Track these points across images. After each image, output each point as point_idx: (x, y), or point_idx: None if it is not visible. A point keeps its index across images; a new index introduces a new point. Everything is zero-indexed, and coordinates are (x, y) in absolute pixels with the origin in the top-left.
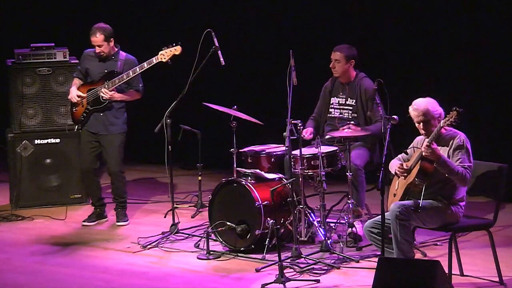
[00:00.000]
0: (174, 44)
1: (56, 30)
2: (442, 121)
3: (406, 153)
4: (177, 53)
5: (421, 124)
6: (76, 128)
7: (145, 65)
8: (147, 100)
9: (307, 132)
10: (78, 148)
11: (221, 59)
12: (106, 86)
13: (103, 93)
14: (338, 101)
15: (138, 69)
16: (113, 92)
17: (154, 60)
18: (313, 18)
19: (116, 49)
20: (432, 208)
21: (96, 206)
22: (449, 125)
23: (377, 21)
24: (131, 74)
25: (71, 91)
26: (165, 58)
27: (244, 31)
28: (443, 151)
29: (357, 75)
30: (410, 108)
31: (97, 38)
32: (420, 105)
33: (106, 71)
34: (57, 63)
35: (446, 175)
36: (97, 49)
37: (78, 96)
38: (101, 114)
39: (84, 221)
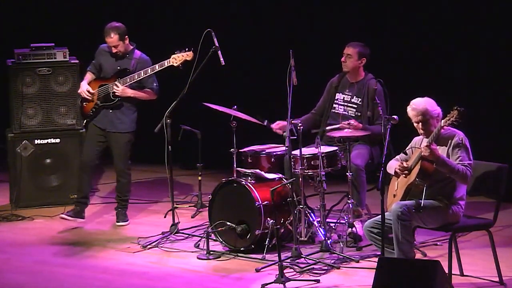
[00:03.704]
0: (186, 49)
1: (56, 30)
2: (443, 120)
3: (405, 153)
4: (188, 58)
5: (420, 124)
6: (84, 122)
7: (157, 67)
8: (147, 100)
9: (277, 125)
10: (81, 146)
11: (221, 59)
12: (117, 84)
13: (116, 88)
14: (344, 97)
15: (149, 70)
16: (125, 87)
17: (166, 64)
18: (313, 18)
19: (132, 47)
20: (433, 208)
21: (78, 203)
22: (450, 124)
23: (377, 21)
24: (142, 75)
25: (81, 85)
26: (176, 63)
27: (244, 31)
28: (442, 150)
29: (366, 75)
30: (409, 108)
31: (112, 38)
32: (419, 105)
33: (118, 68)
34: (57, 63)
35: (447, 174)
36: (114, 50)
37: (88, 91)
38: (110, 111)
39: (62, 213)
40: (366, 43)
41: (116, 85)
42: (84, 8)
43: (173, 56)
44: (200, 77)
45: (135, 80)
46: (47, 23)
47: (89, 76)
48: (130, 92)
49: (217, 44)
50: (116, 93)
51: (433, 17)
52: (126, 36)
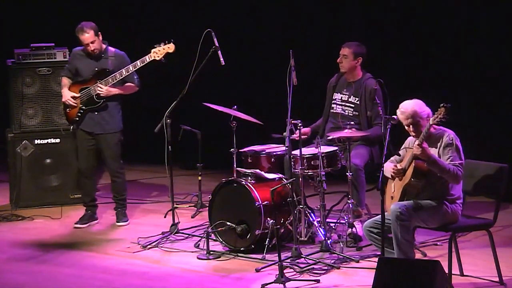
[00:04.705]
0: (166, 42)
1: (56, 30)
2: (431, 119)
3: (399, 155)
4: (170, 51)
5: (411, 126)
6: (71, 128)
7: (138, 63)
8: (147, 100)
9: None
10: (75, 149)
11: (221, 59)
12: (100, 85)
13: (99, 89)
14: (341, 97)
15: (131, 68)
16: (109, 87)
17: (147, 59)
18: (313, 18)
19: (105, 46)
20: (432, 207)
21: (88, 207)
22: (438, 122)
23: (377, 21)
24: (124, 73)
25: (64, 94)
26: (158, 57)
27: (244, 31)
28: (433, 151)
29: (363, 74)
30: (398, 112)
31: (89, 34)
32: (407, 108)
33: (96, 69)
34: (57, 63)
35: (438, 174)
36: (91, 47)
37: (72, 97)
38: (96, 113)
39: (76, 223)
40: (366, 43)
41: (99, 86)
42: (84, 8)
43: (153, 50)
44: (200, 77)
45: (117, 80)
46: (47, 23)
47: (66, 81)
48: (115, 91)
49: (217, 44)
50: (101, 94)
51: (433, 17)
52: (100, 33)
